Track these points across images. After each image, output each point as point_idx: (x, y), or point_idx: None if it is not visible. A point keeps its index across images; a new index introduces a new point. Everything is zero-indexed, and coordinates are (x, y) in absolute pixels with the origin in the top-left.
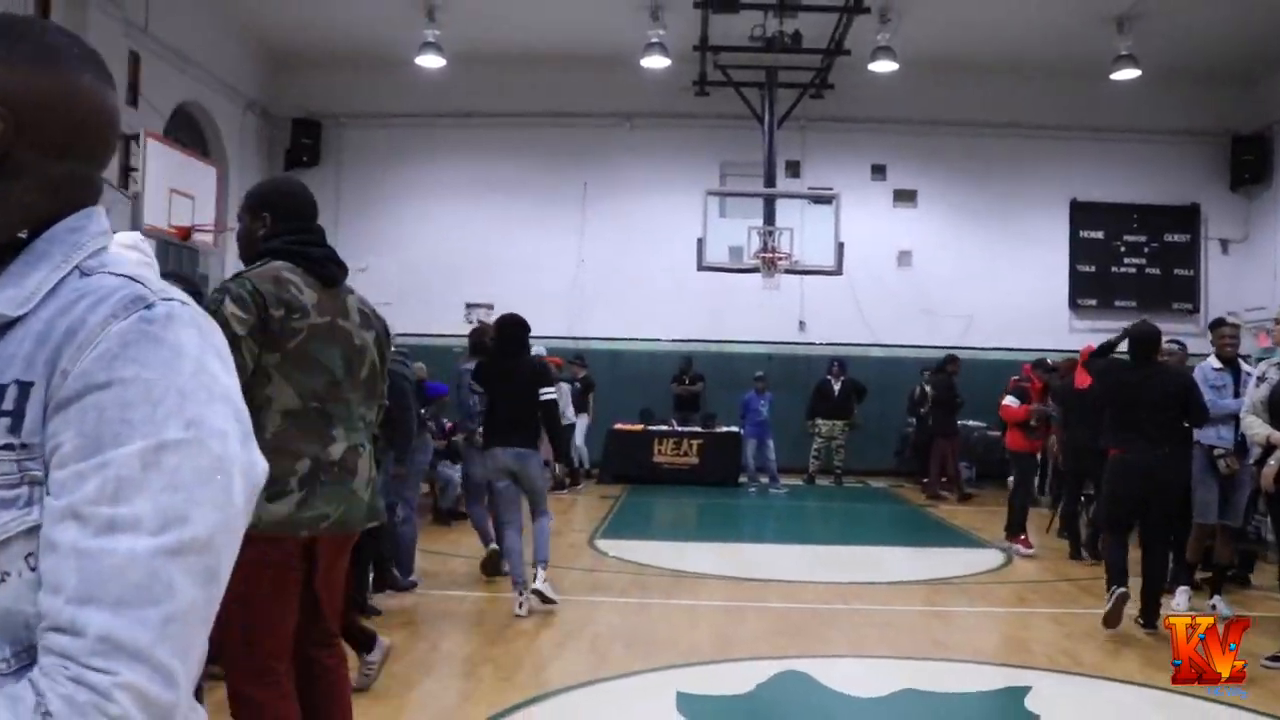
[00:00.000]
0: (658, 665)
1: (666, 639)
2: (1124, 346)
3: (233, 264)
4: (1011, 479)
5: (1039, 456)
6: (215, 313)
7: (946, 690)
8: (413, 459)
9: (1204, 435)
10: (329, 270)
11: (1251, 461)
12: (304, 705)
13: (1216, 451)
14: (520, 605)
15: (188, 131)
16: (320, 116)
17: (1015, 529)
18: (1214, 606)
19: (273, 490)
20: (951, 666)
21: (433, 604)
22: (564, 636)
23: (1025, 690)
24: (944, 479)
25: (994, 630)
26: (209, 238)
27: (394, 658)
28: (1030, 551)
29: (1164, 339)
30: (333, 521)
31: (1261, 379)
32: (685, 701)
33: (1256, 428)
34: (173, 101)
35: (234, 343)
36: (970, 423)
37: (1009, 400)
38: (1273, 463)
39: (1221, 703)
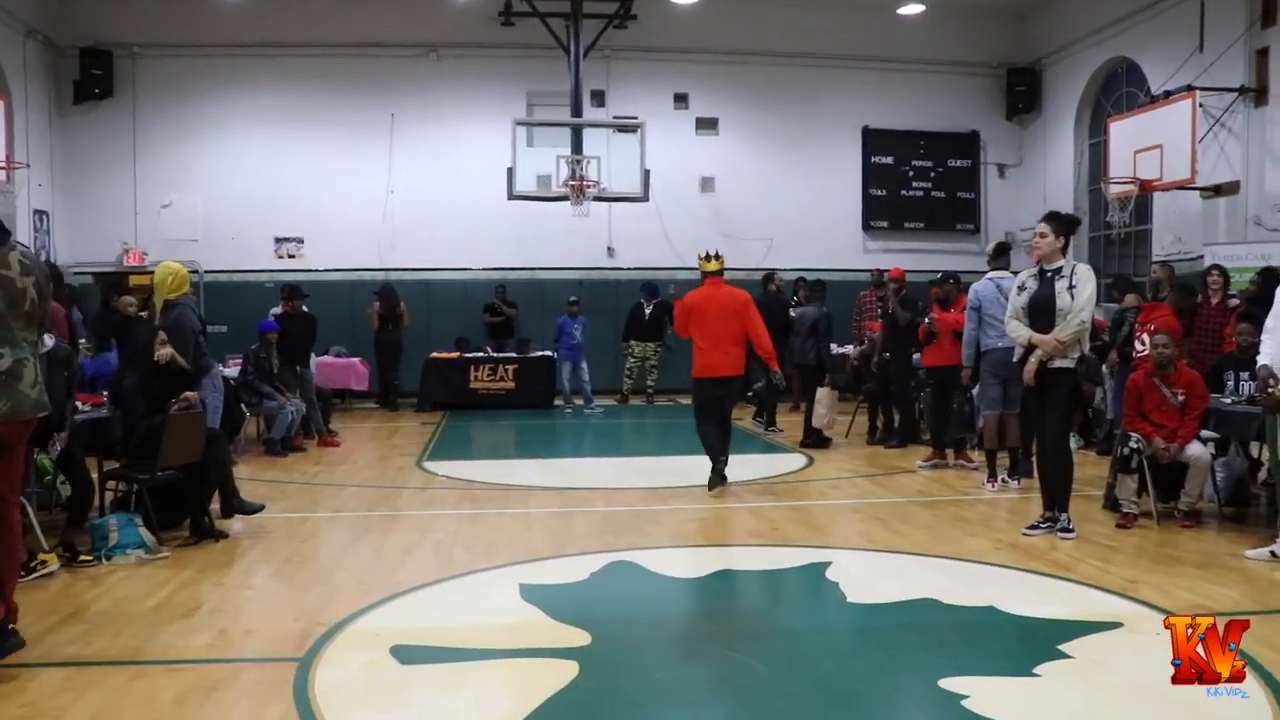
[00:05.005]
0: (499, 563)
1: (504, 542)
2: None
3: (24, 201)
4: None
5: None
6: None
7: (758, 568)
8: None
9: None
10: None
11: (1015, 360)
12: None
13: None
14: None
15: None
16: (110, 46)
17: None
18: (1004, 481)
19: None
20: (761, 550)
21: (278, 525)
22: (407, 545)
23: (826, 565)
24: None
25: (798, 520)
26: (1, 175)
27: (254, 570)
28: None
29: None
30: (6, 412)
31: (1022, 288)
32: (528, 591)
33: (1019, 331)
34: None
35: None
36: None
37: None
38: (1032, 361)
39: (985, 563)
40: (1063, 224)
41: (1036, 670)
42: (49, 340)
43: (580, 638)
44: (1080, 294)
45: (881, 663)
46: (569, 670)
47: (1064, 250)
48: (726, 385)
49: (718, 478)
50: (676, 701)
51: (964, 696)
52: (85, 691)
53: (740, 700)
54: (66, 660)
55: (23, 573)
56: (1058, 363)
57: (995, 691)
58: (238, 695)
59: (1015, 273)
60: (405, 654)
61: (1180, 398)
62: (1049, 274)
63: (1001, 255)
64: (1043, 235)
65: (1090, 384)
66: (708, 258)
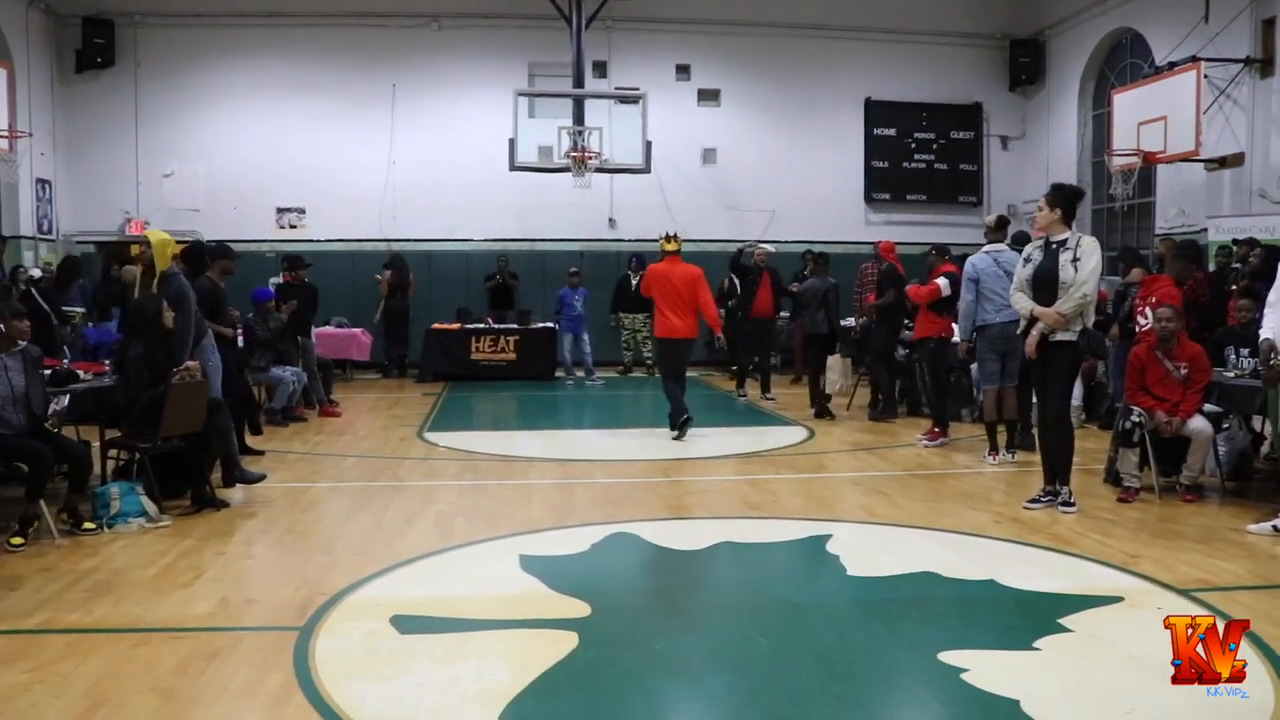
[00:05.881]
0: (499, 534)
1: (505, 513)
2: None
3: (27, 170)
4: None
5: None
6: None
7: (758, 541)
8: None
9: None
10: None
11: (1019, 332)
12: None
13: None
14: None
15: None
16: (112, 15)
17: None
18: (1005, 455)
19: None
20: (762, 523)
21: (280, 494)
22: (409, 515)
23: (826, 538)
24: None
25: (799, 493)
26: (3, 143)
27: (255, 539)
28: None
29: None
30: None
31: (1027, 260)
32: (528, 562)
33: (1022, 303)
34: None
35: None
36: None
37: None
38: (1034, 333)
39: (986, 536)
40: (1061, 195)
41: (1036, 644)
42: (21, 342)
43: (580, 609)
44: (1084, 267)
45: (881, 635)
46: (568, 641)
47: (1068, 222)
48: (681, 345)
49: (682, 429)
50: (676, 673)
51: (963, 670)
52: (87, 658)
53: (740, 672)
54: (69, 627)
55: (20, 540)
56: (1059, 335)
57: (994, 665)
58: (238, 663)
59: (1014, 246)
60: (405, 624)
61: (1183, 371)
62: (1054, 246)
63: (1001, 228)
64: (1040, 208)
65: (1094, 357)
66: (667, 238)
